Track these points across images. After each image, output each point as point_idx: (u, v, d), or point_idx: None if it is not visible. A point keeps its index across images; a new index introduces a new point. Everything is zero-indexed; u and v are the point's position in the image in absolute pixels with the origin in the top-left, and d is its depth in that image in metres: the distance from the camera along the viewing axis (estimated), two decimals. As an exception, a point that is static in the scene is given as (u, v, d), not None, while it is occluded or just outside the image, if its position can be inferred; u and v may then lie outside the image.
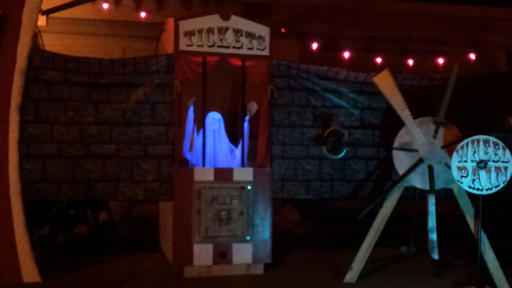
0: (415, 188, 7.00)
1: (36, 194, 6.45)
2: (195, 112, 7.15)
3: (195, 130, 7.15)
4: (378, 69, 8.24)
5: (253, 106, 7.10)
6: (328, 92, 7.31)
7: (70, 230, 7.35)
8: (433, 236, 6.59)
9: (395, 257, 7.75)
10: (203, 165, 7.04)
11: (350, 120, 7.33)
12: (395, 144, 6.79)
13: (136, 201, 8.16)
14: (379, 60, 8.98)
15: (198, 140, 7.17)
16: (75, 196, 6.65)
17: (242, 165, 7.17)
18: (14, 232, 6.20)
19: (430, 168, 6.66)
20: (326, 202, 9.66)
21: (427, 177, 6.69)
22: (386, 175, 7.25)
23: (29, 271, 6.31)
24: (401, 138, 6.81)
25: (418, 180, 6.77)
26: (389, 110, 7.15)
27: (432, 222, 6.59)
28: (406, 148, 6.74)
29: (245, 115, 7.36)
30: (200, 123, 7.19)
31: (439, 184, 6.74)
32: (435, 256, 6.62)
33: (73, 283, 6.46)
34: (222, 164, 7.35)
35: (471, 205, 6.77)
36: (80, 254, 7.25)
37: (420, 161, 6.67)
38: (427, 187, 6.69)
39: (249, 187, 6.94)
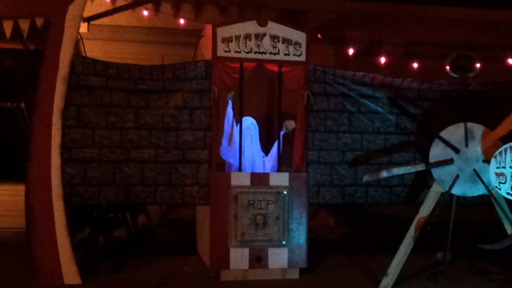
0: (451, 194, 6.96)
1: (77, 198, 6.59)
2: (234, 109, 7.23)
3: (234, 123, 7.22)
4: (414, 74, 8.25)
5: (290, 124, 7.19)
6: (364, 97, 7.31)
7: (110, 233, 7.48)
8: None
9: (431, 263, 7.69)
10: (240, 169, 7.13)
11: (386, 126, 7.32)
12: (431, 153, 6.76)
13: (174, 205, 8.28)
14: (415, 65, 8.94)
15: (236, 136, 7.23)
16: (115, 200, 6.78)
17: (278, 170, 7.23)
18: (56, 235, 6.35)
19: (457, 177, 6.61)
20: (361, 207, 9.66)
21: (464, 183, 6.65)
22: (422, 180, 7.22)
23: (70, 273, 6.45)
24: (436, 145, 6.79)
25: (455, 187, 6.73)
26: (425, 116, 7.12)
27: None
28: (440, 161, 6.69)
29: (281, 120, 7.42)
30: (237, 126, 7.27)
31: (477, 191, 6.70)
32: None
33: (112, 285, 6.59)
34: (256, 168, 7.42)
35: (509, 211, 6.70)
36: (120, 257, 7.38)
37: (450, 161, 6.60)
38: (465, 194, 6.65)
39: (285, 192, 6.98)
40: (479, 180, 6.63)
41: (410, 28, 9.72)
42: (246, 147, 7.30)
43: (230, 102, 7.21)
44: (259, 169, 7.47)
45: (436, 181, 6.70)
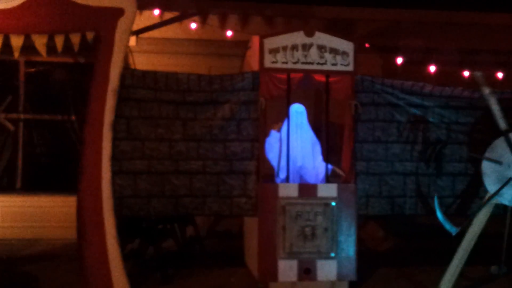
0: (505, 205, 6.78)
1: (127, 209, 6.67)
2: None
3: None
4: (465, 83, 8.08)
5: (339, 172, 7.16)
6: (413, 107, 7.20)
7: (159, 244, 7.54)
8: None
9: (485, 276, 7.50)
10: (287, 180, 7.10)
11: (436, 135, 7.19)
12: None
13: (222, 216, 8.30)
14: (466, 73, 8.77)
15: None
16: (164, 211, 6.83)
17: (326, 181, 7.17)
18: (107, 246, 6.37)
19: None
20: (411, 218, 9.49)
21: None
22: (474, 191, 7.06)
23: (120, 283, 6.45)
24: (492, 150, 6.63)
25: (507, 197, 6.55)
26: (477, 125, 6.97)
27: None
28: (491, 159, 6.54)
29: (329, 130, 7.38)
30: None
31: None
32: None
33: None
34: (307, 162, 7.37)
35: None
36: (169, 268, 7.41)
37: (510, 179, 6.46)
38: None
39: (333, 204, 6.92)
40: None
41: (462, 35, 9.55)
42: (294, 147, 7.22)
43: (277, 132, 7.21)
44: (312, 161, 7.41)
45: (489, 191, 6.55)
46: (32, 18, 6.13)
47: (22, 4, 6.08)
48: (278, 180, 7.22)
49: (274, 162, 7.28)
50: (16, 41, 6.20)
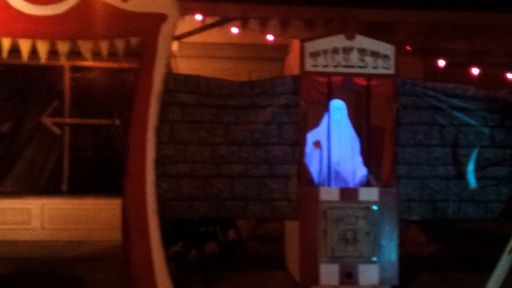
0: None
1: (170, 212, 6.73)
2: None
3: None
4: (510, 85, 7.94)
5: (374, 183, 7.13)
6: (456, 110, 7.12)
7: (202, 247, 7.61)
8: None
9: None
10: (329, 183, 7.09)
11: (480, 139, 7.10)
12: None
13: (263, 219, 8.35)
14: (511, 76, 8.61)
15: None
16: (207, 214, 6.89)
17: (367, 184, 7.14)
18: (151, 248, 6.45)
19: None
20: (453, 223, 9.38)
21: None
22: (520, 195, 6.96)
23: (163, 285, 6.53)
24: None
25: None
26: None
27: None
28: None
29: (370, 135, 7.35)
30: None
31: None
32: None
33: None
34: (345, 158, 7.36)
35: None
36: (211, 271, 7.49)
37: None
38: None
39: (374, 208, 6.88)
40: None
41: (506, 37, 9.38)
42: (333, 143, 7.23)
43: (316, 148, 7.25)
44: (352, 160, 7.42)
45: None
46: (78, 24, 6.26)
47: (68, 11, 6.21)
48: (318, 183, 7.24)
49: (314, 173, 7.31)
50: (62, 47, 6.35)
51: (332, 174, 7.26)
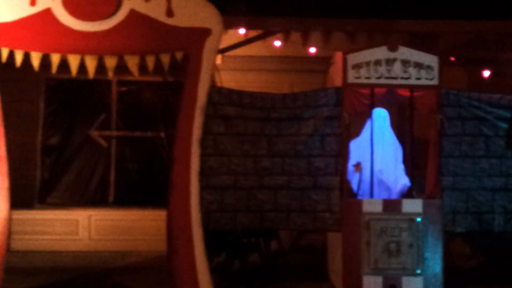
0: None
1: (214, 223, 6.82)
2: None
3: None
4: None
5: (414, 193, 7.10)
6: (502, 120, 7.03)
7: (245, 258, 7.67)
8: None
9: None
10: (371, 195, 7.07)
11: (527, 149, 7.00)
12: None
13: (306, 231, 8.36)
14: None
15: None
16: (250, 225, 6.95)
17: (411, 196, 7.09)
18: (195, 259, 6.52)
19: None
20: (500, 235, 9.20)
21: None
22: None
23: (207, 295, 6.67)
24: None
25: None
26: None
27: None
28: None
29: (414, 147, 7.30)
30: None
31: None
32: None
33: (248, 309, 6.75)
34: (387, 166, 7.33)
35: None
36: (254, 282, 7.53)
37: None
38: None
39: (418, 219, 6.82)
40: None
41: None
42: (376, 150, 7.21)
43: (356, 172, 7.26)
44: (394, 169, 7.40)
45: None
46: (125, 40, 6.44)
47: (115, 27, 6.39)
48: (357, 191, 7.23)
49: (355, 184, 7.31)
50: (110, 62, 6.53)
51: (374, 182, 7.24)
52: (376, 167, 7.26)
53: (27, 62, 6.44)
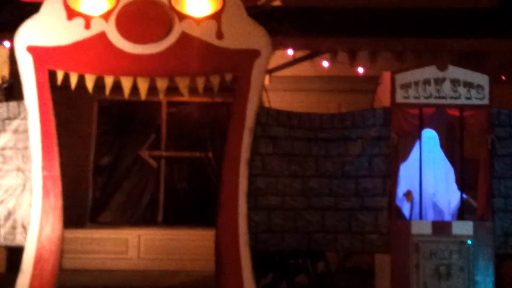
0: None
1: (262, 244, 6.80)
2: None
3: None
4: None
5: (472, 203, 6.99)
6: (554, 140, 6.89)
7: (292, 279, 7.63)
8: None
9: None
10: (420, 216, 6.99)
11: None
12: None
13: (353, 252, 8.30)
14: None
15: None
16: (297, 246, 6.91)
17: (461, 218, 6.98)
18: (243, 279, 6.56)
19: None
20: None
21: None
22: None
23: (255, 315, 6.66)
24: None
25: None
26: None
27: None
28: None
29: (464, 167, 7.20)
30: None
31: None
32: None
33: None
34: (440, 188, 7.23)
35: None
36: (301, 303, 7.51)
37: None
38: None
39: (469, 242, 6.70)
40: None
41: None
42: (427, 173, 7.11)
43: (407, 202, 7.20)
44: (446, 190, 7.28)
45: None
46: (176, 62, 6.59)
47: (167, 49, 6.55)
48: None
49: (406, 214, 7.23)
50: (161, 84, 6.69)
51: (428, 206, 7.16)
52: (429, 190, 7.17)
53: (80, 84, 6.66)
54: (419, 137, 7.14)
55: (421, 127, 7.07)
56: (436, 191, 7.28)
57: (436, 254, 6.72)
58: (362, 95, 8.38)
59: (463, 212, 7.03)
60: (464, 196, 7.14)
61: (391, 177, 6.90)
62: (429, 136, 7.37)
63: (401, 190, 7.18)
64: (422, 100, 6.93)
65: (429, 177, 7.20)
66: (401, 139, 7.04)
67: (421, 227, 6.80)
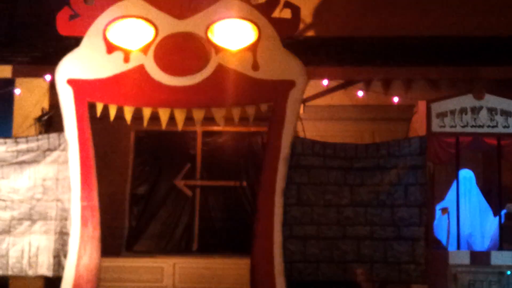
0: None
1: (297, 274, 6.78)
2: None
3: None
4: None
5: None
6: None
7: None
8: None
9: None
10: (458, 246, 6.90)
11: None
12: None
13: (389, 282, 8.21)
14: None
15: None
16: (332, 277, 6.87)
17: (500, 248, 6.88)
18: (278, 309, 6.58)
19: None
20: None
21: None
22: None
23: None
24: None
25: None
26: None
27: None
28: None
29: (502, 194, 7.12)
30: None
31: None
32: None
33: None
34: (475, 229, 7.19)
35: None
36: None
37: None
38: None
39: (508, 272, 6.62)
40: None
41: None
42: (463, 214, 7.04)
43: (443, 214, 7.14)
44: (481, 227, 7.25)
45: None
46: (213, 93, 6.69)
47: (203, 81, 6.66)
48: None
49: (443, 241, 7.17)
50: (198, 115, 6.79)
51: (464, 247, 7.09)
52: (465, 232, 7.11)
53: (117, 115, 6.78)
54: (456, 165, 7.09)
55: (458, 156, 7.03)
56: (472, 232, 7.24)
57: (474, 285, 6.66)
58: (396, 123, 8.34)
59: (502, 241, 6.94)
60: (504, 210, 7.06)
61: (428, 206, 6.86)
62: (466, 176, 7.33)
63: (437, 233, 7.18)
64: (459, 129, 6.92)
65: (464, 217, 7.16)
66: (437, 168, 7.02)
67: (459, 257, 6.74)
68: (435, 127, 6.93)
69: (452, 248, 6.98)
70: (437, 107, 6.94)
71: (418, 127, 7.34)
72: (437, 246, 7.08)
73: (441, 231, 7.18)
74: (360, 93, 8.00)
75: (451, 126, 6.91)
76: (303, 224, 6.85)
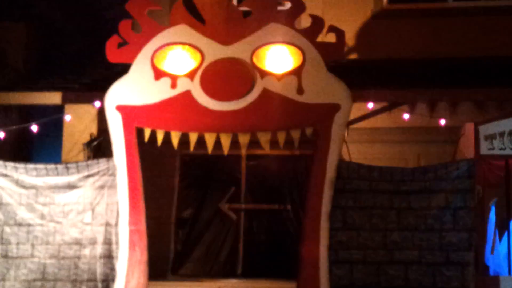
0: None
1: (343, 299, 6.73)
2: (497, 215, 6.94)
3: (497, 234, 6.91)
4: None
5: None
6: None
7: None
8: None
9: None
10: (509, 272, 6.72)
11: None
12: None
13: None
14: None
15: (502, 246, 6.91)
16: (380, 302, 6.80)
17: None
18: (325, 335, 6.51)
19: None
20: None
21: None
22: None
23: None
24: None
25: None
26: None
27: None
28: None
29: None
30: (504, 227, 6.93)
31: None
32: None
33: None
34: None
35: None
36: None
37: None
38: None
39: None
40: None
41: None
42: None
43: (493, 208, 6.94)
44: None
45: None
46: (258, 117, 6.74)
47: (248, 105, 6.72)
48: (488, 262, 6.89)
49: (489, 237, 7.00)
50: (243, 139, 6.85)
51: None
52: None
53: (164, 139, 6.85)
54: (506, 189, 6.92)
55: (508, 179, 6.86)
56: None
57: (526, 311, 6.45)
58: (443, 146, 8.22)
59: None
60: None
61: (477, 230, 6.73)
62: None
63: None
64: (508, 151, 6.73)
65: None
66: (487, 191, 6.87)
67: (510, 284, 6.54)
68: (484, 150, 6.79)
69: (503, 273, 6.81)
70: (485, 129, 6.81)
71: (465, 149, 7.23)
72: (487, 271, 6.91)
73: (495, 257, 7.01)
74: (406, 116, 7.92)
75: (501, 149, 6.73)
76: (350, 249, 6.79)
